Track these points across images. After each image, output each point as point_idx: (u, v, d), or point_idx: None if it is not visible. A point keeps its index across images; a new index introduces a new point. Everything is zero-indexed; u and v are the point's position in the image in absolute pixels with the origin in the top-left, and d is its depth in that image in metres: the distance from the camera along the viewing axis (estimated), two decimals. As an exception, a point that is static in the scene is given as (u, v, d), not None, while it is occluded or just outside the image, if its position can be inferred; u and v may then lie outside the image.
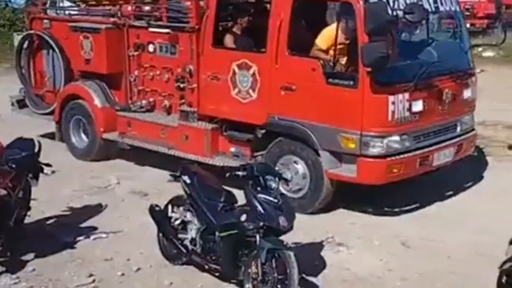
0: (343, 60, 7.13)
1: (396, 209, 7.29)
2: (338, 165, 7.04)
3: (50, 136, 9.68)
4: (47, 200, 7.31)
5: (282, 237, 5.22)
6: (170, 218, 5.85)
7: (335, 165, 7.04)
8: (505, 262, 4.56)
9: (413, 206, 7.36)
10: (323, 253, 6.19)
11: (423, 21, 7.50)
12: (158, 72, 8.45)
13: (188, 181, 5.70)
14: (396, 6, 6.72)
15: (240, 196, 5.54)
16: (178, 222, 5.80)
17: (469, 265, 5.96)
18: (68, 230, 6.68)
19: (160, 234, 5.98)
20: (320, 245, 6.33)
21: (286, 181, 6.23)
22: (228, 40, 7.86)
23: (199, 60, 7.92)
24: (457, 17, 7.99)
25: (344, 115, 6.87)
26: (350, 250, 6.33)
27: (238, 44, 7.83)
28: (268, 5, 7.62)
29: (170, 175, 6.03)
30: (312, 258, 6.00)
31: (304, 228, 6.35)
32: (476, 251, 6.20)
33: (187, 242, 5.69)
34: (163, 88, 8.46)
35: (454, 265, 5.99)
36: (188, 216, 5.73)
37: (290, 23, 7.14)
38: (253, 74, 7.43)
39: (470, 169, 8.34)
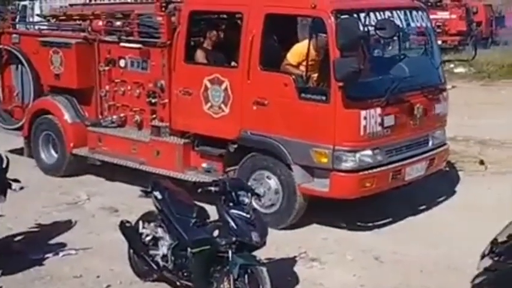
0: (314, 75, 7.15)
1: (369, 224, 7.28)
2: (311, 180, 7.03)
3: (19, 152, 9.56)
4: (15, 216, 7.18)
5: (255, 253, 5.17)
6: (141, 234, 5.77)
7: (307, 180, 7.03)
8: (476, 276, 4.58)
9: (386, 220, 7.36)
10: (295, 268, 6.15)
11: (395, 37, 7.55)
12: (129, 87, 8.41)
13: (159, 197, 5.64)
14: (367, 22, 6.77)
15: (212, 212, 5.48)
16: (149, 238, 5.72)
17: (441, 279, 5.96)
18: (36, 246, 6.57)
19: (131, 251, 5.89)
20: (292, 261, 6.29)
21: (259, 196, 6.19)
22: (200, 55, 7.84)
23: (170, 76, 7.89)
24: (428, 33, 8.06)
25: (317, 130, 6.88)
26: (323, 265, 6.31)
27: (210, 59, 7.83)
28: (240, 21, 7.63)
29: (141, 191, 5.97)
30: (285, 273, 5.96)
31: (277, 244, 6.33)
32: (448, 265, 6.21)
33: (158, 259, 5.62)
34: (134, 103, 8.41)
35: (426, 279, 5.99)
36: (160, 232, 5.66)
37: (262, 38, 7.16)
38: (225, 89, 7.41)
39: (442, 184, 8.38)
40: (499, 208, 7.34)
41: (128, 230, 5.88)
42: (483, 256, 4.66)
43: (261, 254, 5.28)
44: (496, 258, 4.52)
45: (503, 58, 19.54)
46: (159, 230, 5.66)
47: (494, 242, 4.64)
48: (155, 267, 5.63)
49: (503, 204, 7.57)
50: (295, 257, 6.37)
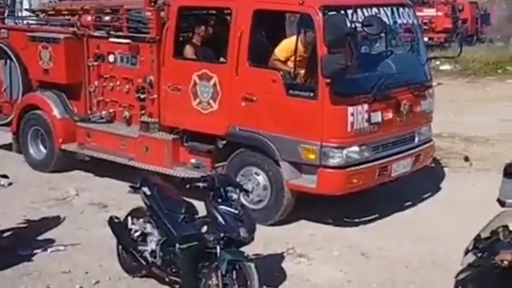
0: (302, 71, 7.18)
1: (356, 220, 7.33)
2: (298, 176, 7.06)
3: (7, 147, 9.54)
4: (3, 212, 7.17)
5: (242, 249, 5.20)
6: (130, 230, 5.78)
7: (295, 176, 7.06)
8: (460, 272, 4.63)
9: (372, 216, 7.41)
10: (283, 264, 6.19)
11: (382, 34, 7.59)
12: (118, 83, 8.40)
13: (148, 192, 5.65)
14: (355, 19, 6.81)
15: (200, 207, 5.51)
16: (137, 234, 5.74)
17: (426, 275, 6.03)
18: (24, 242, 6.55)
19: (120, 247, 5.90)
20: (280, 257, 6.33)
21: (247, 192, 6.23)
22: (189, 51, 7.85)
23: (159, 71, 7.89)
24: (414, 30, 8.11)
25: (304, 126, 6.91)
26: (310, 261, 6.34)
27: (199, 55, 7.84)
28: (228, 17, 7.65)
29: (130, 186, 5.96)
30: (272, 269, 5.99)
31: (265, 240, 6.38)
32: (433, 261, 6.27)
33: (146, 254, 5.64)
34: (123, 99, 8.41)
35: (411, 275, 6.05)
36: (148, 228, 5.68)
37: (250, 34, 7.18)
38: (214, 84, 7.43)
39: (427, 180, 8.45)
40: (483, 204, 7.33)
41: (117, 226, 5.88)
42: (467, 252, 4.69)
43: (249, 249, 5.31)
44: (479, 255, 4.54)
45: (488, 55, 19.69)
46: (148, 225, 5.68)
47: (477, 238, 4.67)
48: (143, 263, 5.65)
49: (488, 200, 7.50)
50: (283, 252, 6.41)
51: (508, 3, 29.49)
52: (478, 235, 4.70)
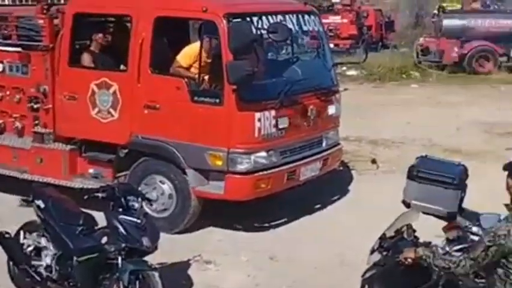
0: (207, 77, 7.06)
1: (265, 225, 7.27)
2: (205, 183, 6.93)
3: None
4: None
5: (147, 258, 5.05)
6: (22, 244, 5.49)
7: (202, 183, 6.92)
8: (366, 271, 4.66)
9: (281, 220, 7.37)
10: (190, 272, 6.06)
11: (287, 40, 7.57)
12: (8, 93, 7.94)
13: (42, 205, 5.38)
14: (260, 26, 6.80)
15: (101, 219, 5.27)
16: (31, 248, 5.46)
17: (334, 275, 6.04)
18: None
19: (11, 263, 5.59)
20: (186, 264, 6.19)
21: (150, 201, 6.06)
22: (86, 59, 7.57)
23: (54, 80, 7.55)
24: (320, 36, 8.14)
25: (211, 133, 6.80)
26: (218, 267, 6.25)
27: (97, 63, 7.57)
28: (128, 24, 7.44)
29: (22, 200, 5.65)
30: (178, 277, 5.86)
31: (171, 248, 6.20)
32: (341, 262, 6.29)
33: (41, 269, 5.36)
34: (13, 109, 7.95)
35: (320, 276, 6.05)
36: (43, 242, 5.41)
37: (152, 41, 7.01)
38: (114, 92, 7.20)
39: (336, 183, 8.50)
40: (389, 205, 7.33)
41: (7, 241, 5.57)
42: (372, 251, 4.76)
43: (153, 259, 5.15)
44: (384, 253, 4.64)
45: (392, 61, 20.21)
46: (42, 239, 5.41)
47: (382, 238, 4.75)
48: (38, 278, 5.37)
49: (394, 201, 7.60)
50: (189, 260, 6.27)
51: (411, 10, 30.52)
52: (383, 234, 4.78)
